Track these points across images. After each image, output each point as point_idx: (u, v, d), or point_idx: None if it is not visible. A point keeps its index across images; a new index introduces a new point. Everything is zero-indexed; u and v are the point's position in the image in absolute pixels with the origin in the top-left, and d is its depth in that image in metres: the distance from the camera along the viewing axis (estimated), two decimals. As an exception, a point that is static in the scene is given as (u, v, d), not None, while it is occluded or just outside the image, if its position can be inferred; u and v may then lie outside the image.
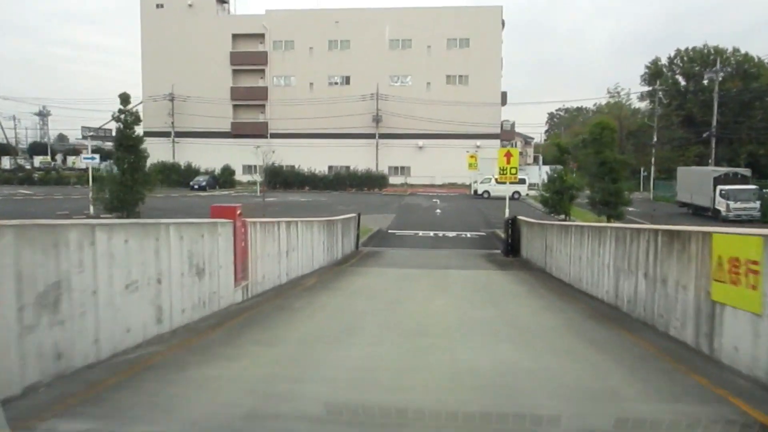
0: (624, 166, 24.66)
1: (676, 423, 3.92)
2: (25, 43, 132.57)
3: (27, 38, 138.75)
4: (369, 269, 14.92)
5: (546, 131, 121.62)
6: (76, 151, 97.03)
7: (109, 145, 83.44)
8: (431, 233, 25.53)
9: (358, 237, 20.23)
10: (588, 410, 4.13)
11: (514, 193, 46.81)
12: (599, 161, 23.90)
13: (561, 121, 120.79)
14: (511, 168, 26.26)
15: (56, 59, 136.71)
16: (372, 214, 33.42)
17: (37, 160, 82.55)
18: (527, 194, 47.97)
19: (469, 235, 25.16)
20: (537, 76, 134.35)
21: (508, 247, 18.64)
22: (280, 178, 54.97)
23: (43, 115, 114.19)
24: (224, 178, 54.01)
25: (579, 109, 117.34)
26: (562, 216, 23.93)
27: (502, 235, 23.13)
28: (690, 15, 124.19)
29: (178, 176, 54.74)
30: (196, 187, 51.43)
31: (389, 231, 26.48)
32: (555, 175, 24.06)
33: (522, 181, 47.41)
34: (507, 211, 26.87)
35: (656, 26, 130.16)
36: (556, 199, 23.65)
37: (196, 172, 55.10)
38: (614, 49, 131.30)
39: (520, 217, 19.40)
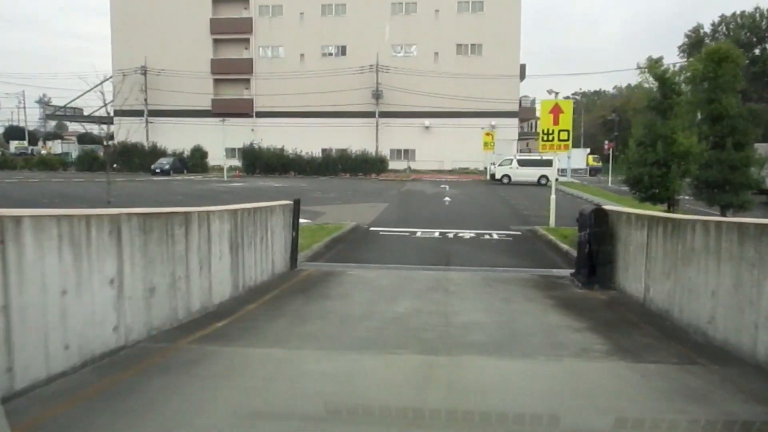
0: (756, 122, 14.32)
1: (676, 423, 3.51)
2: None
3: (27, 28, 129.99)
4: (228, 372, 5.02)
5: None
6: (57, 136, 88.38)
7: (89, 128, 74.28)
8: (436, 233, 15.69)
9: (294, 245, 10.33)
10: (587, 409, 3.70)
11: (540, 177, 36.88)
12: (712, 115, 13.83)
13: (578, 106, 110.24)
14: (560, 131, 16.39)
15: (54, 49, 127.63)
16: (356, 204, 23.73)
17: (13, 145, 74.58)
18: (557, 179, 37.82)
19: (495, 237, 15.26)
20: (548, 66, 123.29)
21: (589, 268, 8.73)
22: (261, 162, 45.19)
23: (43, 103, 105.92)
24: (194, 161, 44.40)
25: (597, 93, 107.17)
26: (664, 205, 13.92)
27: (558, 240, 13.34)
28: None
29: (142, 159, 45.14)
30: (158, 171, 41.91)
31: (371, 229, 16.63)
32: (652, 135, 13.66)
33: (549, 163, 37.34)
34: (553, 197, 17.11)
35: (673, 12, 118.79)
36: (657, 175, 13.46)
37: (164, 154, 45.49)
38: (628, 37, 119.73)
39: (614, 208, 9.49)
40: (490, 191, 31.95)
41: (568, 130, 16.42)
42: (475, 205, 24.41)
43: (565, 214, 17.23)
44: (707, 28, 56.79)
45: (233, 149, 49.92)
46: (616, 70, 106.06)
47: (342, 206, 22.91)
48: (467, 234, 15.51)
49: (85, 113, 66.20)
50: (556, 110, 16.39)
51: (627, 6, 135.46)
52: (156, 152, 45.51)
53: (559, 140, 16.42)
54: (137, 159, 45.10)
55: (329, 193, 29.14)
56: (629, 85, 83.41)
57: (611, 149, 41.27)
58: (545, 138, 16.56)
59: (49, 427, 3.50)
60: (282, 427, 3.62)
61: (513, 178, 37.15)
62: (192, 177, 41.02)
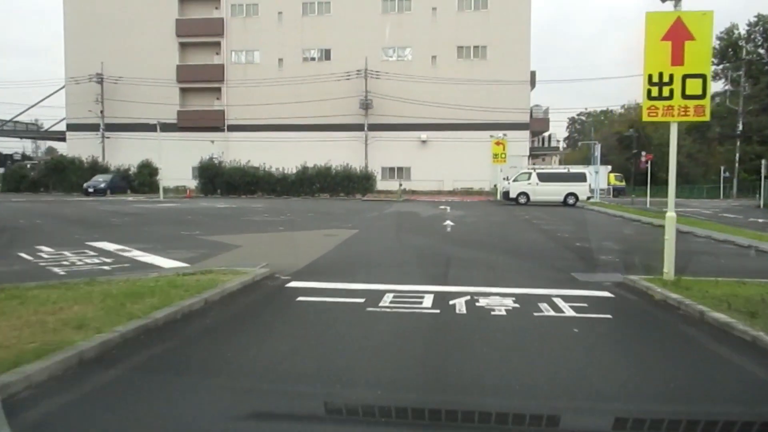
0: None
1: (676, 423, 3.26)
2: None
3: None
4: None
5: (566, 138, 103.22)
6: (27, 158, 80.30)
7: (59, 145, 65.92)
8: (427, 297, 6.70)
9: None
10: (587, 409, 3.55)
11: (567, 196, 27.98)
12: None
13: (585, 127, 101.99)
14: (686, 76, 7.61)
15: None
16: (309, 231, 14.80)
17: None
18: (589, 198, 28.97)
19: (567, 311, 6.20)
20: (549, 92, 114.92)
21: None
22: (221, 180, 36.40)
23: (34, 126, 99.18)
24: (141, 179, 35.69)
25: (604, 113, 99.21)
26: None
27: (754, 329, 4.25)
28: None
29: (81, 176, 36.45)
30: (90, 190, 33.12)
31: (291, 285, 7.62)
32: None
33: (580, 177, 28.54)
34: (671, 215, 8.23)
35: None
36: None
37: (105, 171, 36.83)
38: (629, 59, 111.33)
39: None
40: (508, 213, 22.96)
41: (704, 76, 7.56)
42: (494, 234, 15.40)
43: (650, 246, 9.53)
44: (742, 29, 48.45)
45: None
46: (635, 75, 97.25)
47: (282, 235, 14.00)
48: (497, 301, 6.51)
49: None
50: (679, 33, 7.55)
51: (628, 27, 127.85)
52: (96, 169, 36.86)
53: (685, 97, 7.57)
54: (74, 177, 36.35)
55: (282, 215, 20.26)
56: (638, 103, 75.16)
57: (649, 162, 32.32)
58: (655, 93, 7.69)
59: (51, 425, 3.18)
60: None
61: (532, 197, 28.23)
62: (130, 198, 32.21)
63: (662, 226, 17.19)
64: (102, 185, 33.52)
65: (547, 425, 3.35)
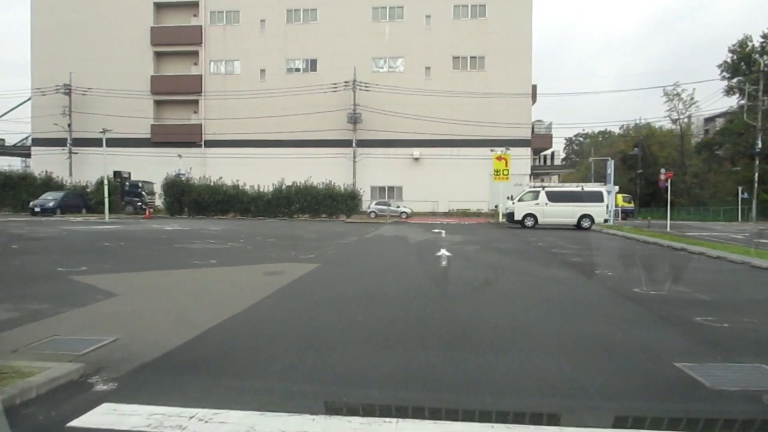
0: None
1: (676, 422, 3.26)
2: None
3: None
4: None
5: (563, 159, 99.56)
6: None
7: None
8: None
9: None
10: (587, 408, 3.43)
11: (581, 218, 23.75)
12: None
13: (582, 148, 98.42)
14: None
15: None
16: (249, 265, 10.17)
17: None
18: (606, 221, 24.74)
19: None
20: (546, 113, 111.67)
21: None
22: (189, 198, 32.06)
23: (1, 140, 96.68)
24: (99, 197, 31.37)
25: (603, 133, 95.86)
26: None
27: None
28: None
29: (30, 194, 32.07)
30: (37, 209, 28.76)
31: (76, 425, 3.20)
32: None
33: (596, 197, 24.34)
34: None
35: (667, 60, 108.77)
36: None
37: (59, 188, 32.51)
38: (624, 85, 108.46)
39: None
40: (516, 239, 18.62)
41: None
42: (509, 271, 11.01)
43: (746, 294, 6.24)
44: (756, 42, 44.82)
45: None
46: (641, 88, 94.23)
47: (205, 273, 9.58)
48: None
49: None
50: None
51: (622, 56, 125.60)
52: (50, 186, 32.53)
53: None
54: (25, 194, 31.99)
55: (234, 241, 15.90)
56: (636, 123, 71.28)
57: (669, 179, 28.06)
58: None
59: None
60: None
61: (540, 219, 24.01)
62: (78, 219, 27.75)
63: (721, 258, 12.93)
64: (50, 204, 29.16)
65: (547, 424, 3.22)
